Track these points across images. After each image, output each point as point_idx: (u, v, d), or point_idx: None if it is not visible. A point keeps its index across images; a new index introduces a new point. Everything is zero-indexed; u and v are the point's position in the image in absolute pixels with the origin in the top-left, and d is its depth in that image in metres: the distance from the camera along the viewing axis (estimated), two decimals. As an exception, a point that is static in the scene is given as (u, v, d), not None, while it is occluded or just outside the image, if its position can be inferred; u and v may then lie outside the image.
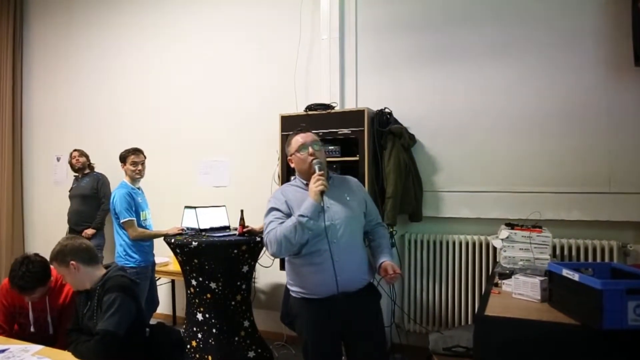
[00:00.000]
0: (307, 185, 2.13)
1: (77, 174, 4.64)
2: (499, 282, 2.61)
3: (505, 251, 2.90)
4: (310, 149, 2.13)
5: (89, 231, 4.37)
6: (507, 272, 2.71)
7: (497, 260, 3.30)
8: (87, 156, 4.64)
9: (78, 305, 2.21)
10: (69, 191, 4.68)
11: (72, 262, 2.12)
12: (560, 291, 2.06)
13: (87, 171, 4.61)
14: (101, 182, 4.49)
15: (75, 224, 4.46)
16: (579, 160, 3.22)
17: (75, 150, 4.64)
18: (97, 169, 4.70)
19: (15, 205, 5.46)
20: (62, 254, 2.15)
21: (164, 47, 4.69)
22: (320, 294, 2.10)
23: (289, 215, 2.11)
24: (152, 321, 3.84)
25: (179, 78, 4.61)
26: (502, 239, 2.94)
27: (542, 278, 2.30)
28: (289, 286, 2.26)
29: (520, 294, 2.34)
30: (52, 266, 2.25)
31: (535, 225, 2.99)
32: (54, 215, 4.73)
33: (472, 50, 3.50)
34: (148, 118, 4.76)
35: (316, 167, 2.07)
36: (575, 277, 1.90)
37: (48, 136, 5.43)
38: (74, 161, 4.60)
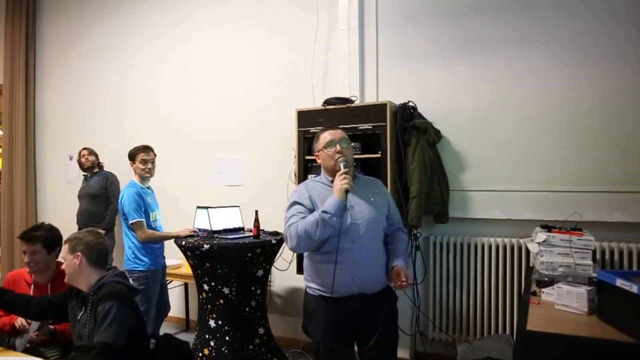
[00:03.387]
0: (332, 182, 2.11)
1: (86, 173, 4.53)
2: (538, 290, 2.38)
3: (542, 256, 2.67)
4: (338, 147, 2.12)
5: (98, 232, 4.23)
6: (546, 279, 2.49)
7: (531, 264, 3.07)
8: (96, 155, 4.52)
9: (73, 310, 2.06)
10: (79, 191, 4.56)
11: (79, 252, 2.03)
12: (613, 303, 1.84)
13: (96, 170, 4.50)
14: (110, 181, 4.37)
15: (84, 224, 4.34)
16: (621, 157, 2.96)
17: (84, 148, 4.53)
18: (108, 167, 4.58)
19: (28, 204, 5.39)
20: (77, 240, 2.07)
21: (175, 42, 4.54)
22: (338, 293, 2.07)
23: (311, 210, 2.10)
24: (164, 326, 3.72)
25: (191, 74, 4.46)
26: (538, 243, 2.70)
27: (588, 288, 2.08)
28: (306, 282, 2.25)
29: (564, 305, 2.12)
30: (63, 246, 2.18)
31: (575, 228, 2.75)
32: (67, 215, 4.61)
33: (501, 39, 3.25)
34: (159, 115, 4.63)
35: (341, 165, 2.06)
36: (634, 289, 1.67)
37: (61, 135, 5.35)
38: (83, 160, 4.49)
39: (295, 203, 2.14)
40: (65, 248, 2.08)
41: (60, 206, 5.22)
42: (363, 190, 2.18)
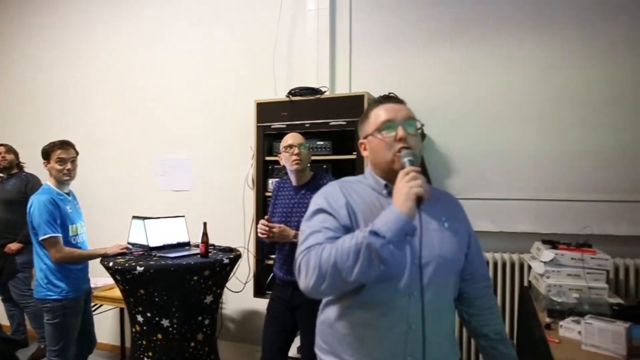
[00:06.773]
0: (386, 186, 1.31)
1: (2, 175, 3.78)
2: (552, 322, 1.95)
3: (548, 277, 2.25)
4: (401, 131, 1.27)
5: (14, 246, 3.54)
6: (558, 307, 2.06)
7: (526, 284, 2.66)
8: (16, 153, 3.78)
9: None
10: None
11: None
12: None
13: (14, 171, 3.76)
14: (30, 185, 3.64)
15: (-2, 235, 3.61)
16: (636, 160, 2.59)
17: (0, 145, 3.78)
18: (31, 169, 3.84)
19: None
20: None
21: (113, 26, 3.88)
22: None
23: (348, 229, 1.25)
24: (94, 357, 3.06)
25: (130, 62, 3.81)
26: (544, 262, 2.28)
27: (626, 324, 1.65)
28: (318, 351, 1.37)
29: (594, 346, 1.69)
30: None
31: (584, 244, 2.36)
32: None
33: (497, 22, 2.83)
34: (95, 109, 3.94)
35: (406, 161, 1.22)
36: None
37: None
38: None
39: (320, 211, 1.29)
40: None
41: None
42: (433, 209, 1.31)
